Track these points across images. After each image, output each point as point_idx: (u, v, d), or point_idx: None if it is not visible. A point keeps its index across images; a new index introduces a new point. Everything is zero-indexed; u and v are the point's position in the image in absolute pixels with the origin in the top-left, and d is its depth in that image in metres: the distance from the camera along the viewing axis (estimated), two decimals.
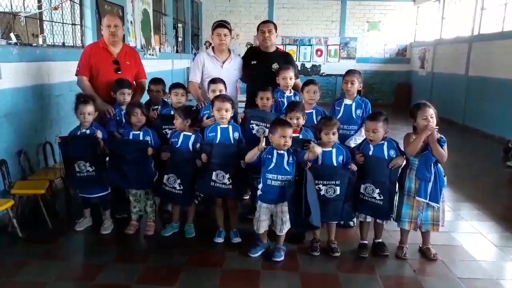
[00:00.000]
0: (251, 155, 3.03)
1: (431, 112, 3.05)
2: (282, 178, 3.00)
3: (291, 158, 3.01)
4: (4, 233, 3.46)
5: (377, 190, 3.10)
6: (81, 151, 3.40)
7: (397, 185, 3.19)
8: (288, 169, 3.01)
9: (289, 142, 2.97)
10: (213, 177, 3.24)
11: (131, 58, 4.09)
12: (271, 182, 3.01)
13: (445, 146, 3.03)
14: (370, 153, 3.15)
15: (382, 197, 3.10)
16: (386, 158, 3.11)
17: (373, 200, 3.13)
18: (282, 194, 3.02)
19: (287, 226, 3.11)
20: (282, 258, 3.13)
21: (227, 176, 3.22)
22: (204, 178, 3.28)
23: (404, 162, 3.15)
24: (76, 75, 3.91)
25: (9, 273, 2.92)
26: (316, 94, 3.59)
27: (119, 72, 3.91)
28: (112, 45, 3.93)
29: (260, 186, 3.10)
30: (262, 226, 3.10)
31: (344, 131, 3.55)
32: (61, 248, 3.38)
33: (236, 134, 3.35)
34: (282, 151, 3.00)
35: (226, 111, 3.28)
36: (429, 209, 3.10)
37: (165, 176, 3.38)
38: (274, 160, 2.99)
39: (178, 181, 3.34)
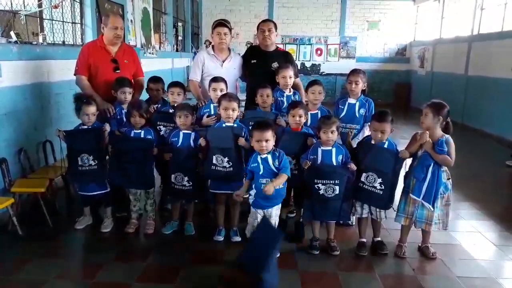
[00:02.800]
0: (245, 187, 3.02)
1: (426, 111, 3.07)
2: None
3: (276, 162, 2.98)
4: (4, 232, 3.46)
5: (379, 180, 3.10)
6: (86, 144, 3.41)
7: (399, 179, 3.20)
8: (276, 171, 2.99)
9: (268, 146, 2.94)
10: (214, 161, 3.25)
11: (130, 57, 4.09)
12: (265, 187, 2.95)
13: (451, 150, 2.99)
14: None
15: (382, 187, 3.09)
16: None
17: (373, 189, 3.13)
18: (279, 197, 3.03)
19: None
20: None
21: (226, 159, 3.23)
22: (205, 163, 3.30)
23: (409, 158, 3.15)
24: (74, 74, 3.90)
25: (9, 271, 2.92)
26: (321, 95, 3.59)
27: (118, 71, 3.91)
28: (111, 44, 3.92)
29: (252, 192, 3.03)
30: None
31: (347, 130, 3.55)
32: (61, 247, 3.38)
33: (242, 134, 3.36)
34: (264, 155, 2.97)
35: (233, 110, 3.29)
36: (424, 208, 3.10)
37: (172, 176, 3.39)
38: (260, 167, 2.96)
39: (186, 178, 3.36)
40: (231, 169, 3.25)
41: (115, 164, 3.45)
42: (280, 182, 2.94)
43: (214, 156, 3.26)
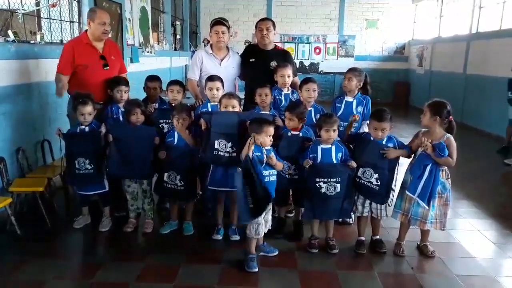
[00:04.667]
0: (246, 149, 2.91)
1: (425, 109, 3.10)
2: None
3: (275, 156, 3.03)
4: (2, 231, 3.45)
5: (375, 176, 3.11)
6: (84, 147, 3.39)
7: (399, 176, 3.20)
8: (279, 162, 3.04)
9: (271, 140, 3.01)
10: (216, 146, 3.21)
11: (115, 53, 4.06)
12: (269, 178, 2.98)
13: (452, 150, 2.99)
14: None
15: (379, 183, 3.10)
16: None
17: (369, 184, 3.14)
18: (273, 189, 3.04)
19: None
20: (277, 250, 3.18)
21: (229, 144, 3.19)
22: (207, 149, 3.25)
23: (397, 154, 3.12)
24: (57, 71, 3.77)
25: (7, 271, 2.91)
26: (315, 93, 3.59)
27: (107, 68, 3.86)
28: (97, 41, 3.85)
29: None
30: (263, 229, 3.03)
31: (345, 128, 3.56)
32: (59, 246, 3.38)
33: None
34: (268, 148, 3.00)
35: (233, 107, 3.27)
36: (419, 206, 3.10)
37: (165, 174, 3.38)
38: (264, 157, 2.95)
39: (178, 177, 3.35)
40: (235, 154, 3.18)
41: (115, 153, 3.41)
42: (278, 164, 3.02)
43: (216, 141, 3.20)
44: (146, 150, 3.40)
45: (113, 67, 3.94)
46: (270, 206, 3.11)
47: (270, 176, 3.00)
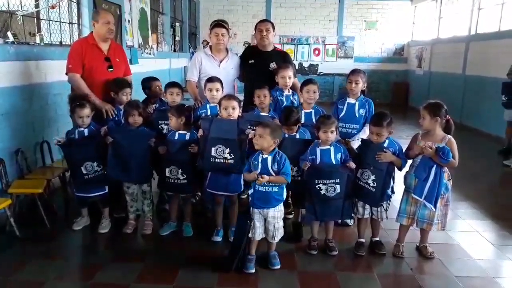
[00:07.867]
0: (250, 178, 2.91)
1: (423, 113, 3.08)
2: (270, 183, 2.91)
3: (275, 165, 2.91)
4: (1, 233, 3.45)
5: (373, 177, 3.11)
6: (87, 152, 3.39)
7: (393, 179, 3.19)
8: (273, 174, 2.91)
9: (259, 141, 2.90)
10: (213, 153, 3.20)
11: (120, 55, 4.06)
12: (259, 187, 2.93)
13: (454, 151, 2.98)
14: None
15: (375, 185, 3.10)
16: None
17: (366, 186, 3.15)
18: (272, 199, 2.97)
19: (280, 234, 3.04)
20: (279, 265, 3.05)
21: (227, 150, 3.18)
22: (204, 156, 3.23)
23: (391, 160, 3.08)
24: (67, 73, 3.79)
25: (7, 272, 2.91)
26: (315, 94, 3.59)
27: (111, 70, 3.86)
28: (102, 41, 3.87)
29: (250, 192, 3.03)
30: (258, 233, 3.01)
31: (346, 130, 3.56)
32: (59, 247, 3.37)
33: None
34: (266, 155, 2.92)
35: (233, 108, 3.26)
36: (426, 208, 3.10)
37: (166, 170, 3.37)
38: (259, 166, 2.91)
39: (180, 171, 3.34)
40: (232, 161, 3.18)
41: (113, 157, 3.41)
42: (275, 180, 2.88)
43: (213, 148, 3.19)
44: (144, 154, 3.40)
45: (118, 69, 3.95)
46: (275, 214, 3.03)
47: (260, 186, 2.91)
